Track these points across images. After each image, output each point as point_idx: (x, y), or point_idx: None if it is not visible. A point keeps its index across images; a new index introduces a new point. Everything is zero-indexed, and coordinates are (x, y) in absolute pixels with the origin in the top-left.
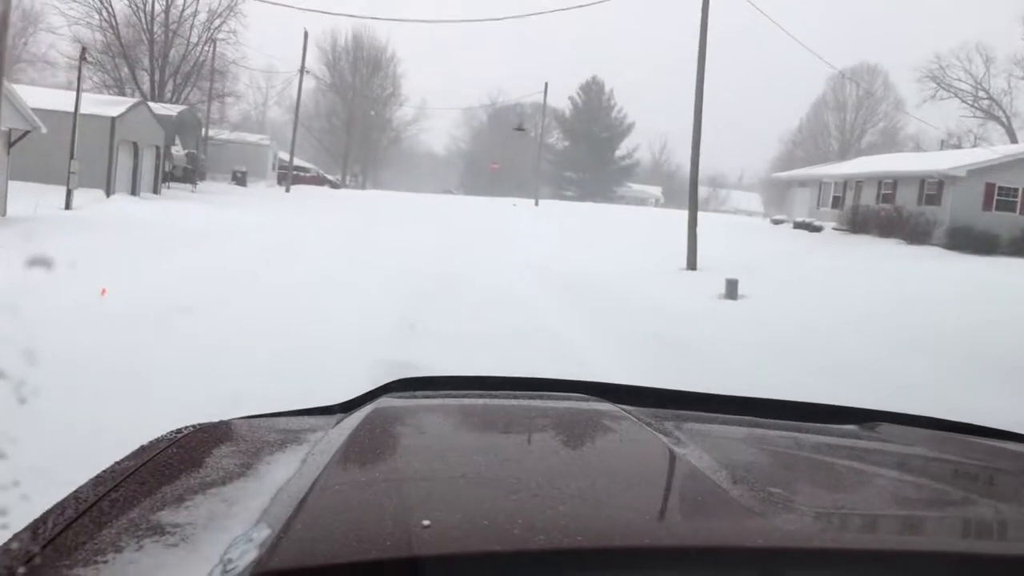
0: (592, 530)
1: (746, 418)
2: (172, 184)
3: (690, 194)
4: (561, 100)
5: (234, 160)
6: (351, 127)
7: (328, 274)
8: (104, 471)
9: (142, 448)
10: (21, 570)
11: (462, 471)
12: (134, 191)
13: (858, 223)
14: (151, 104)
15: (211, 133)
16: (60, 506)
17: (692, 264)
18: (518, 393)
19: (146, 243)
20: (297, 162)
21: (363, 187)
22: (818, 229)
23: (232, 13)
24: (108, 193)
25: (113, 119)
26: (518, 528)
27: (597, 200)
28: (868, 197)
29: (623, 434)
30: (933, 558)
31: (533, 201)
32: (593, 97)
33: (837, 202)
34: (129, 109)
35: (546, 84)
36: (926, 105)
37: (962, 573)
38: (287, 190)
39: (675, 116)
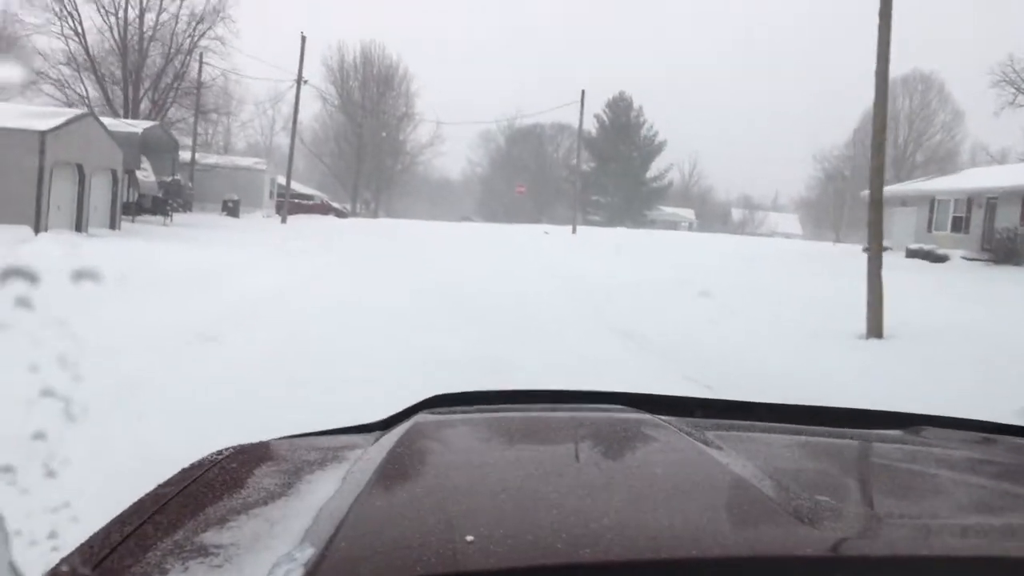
0: (637, 542)
1: (787, 425)
2: (140, 217)
3: (871, 215)
4: (586, 118)
5: (226, 187)
6: (361, 151)
7: (316, 348)
8: (147, 495)
9: (184, 471)
10: None
11: (503, 485)
12: (79, 227)
13: (1002, 251)
14: (108, 120)
15: (199, 156)
16: (105, 530)
17: (876, 329)
18: (555, 406)
19: (51, 300)
20: (301, 189)
21: (375, 215)
22: (942, 259)
23: (219, 18)
24: (37, 230)
25: (43, 134)
26: (562, 542)
27: (628, 225)
28: (1010, 217)
29: (663, 444)
30: (987, 563)
31: (570, 228)
32: (621, 114)
33: (959, 224)
34: (68, 122)
35: (583, 92)
36: (1004, 113)
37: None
38: (283, 220)
39: (703, 133)
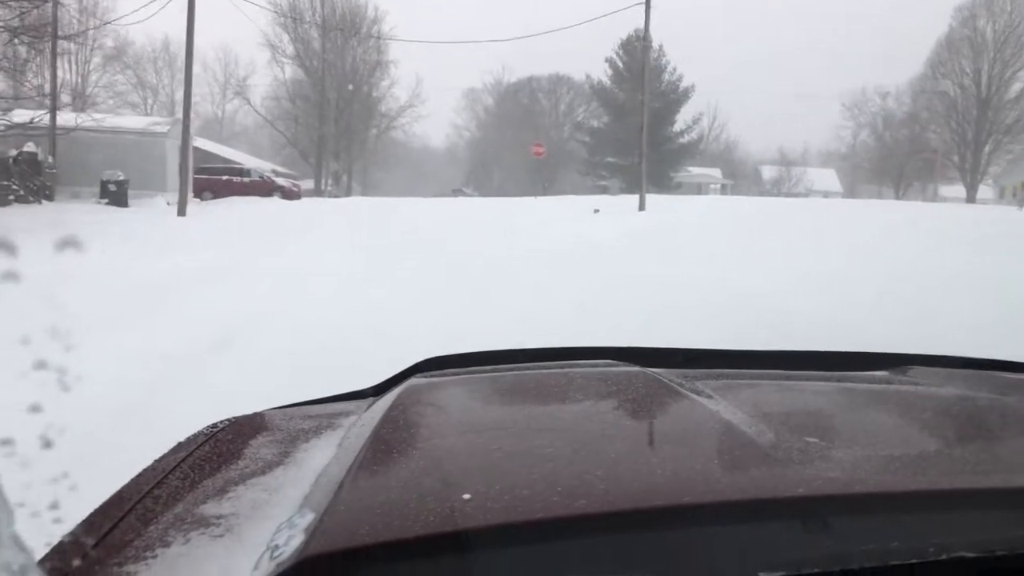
0: (631, 491)
1: (776, 371)
2: None
3: None
4: (593, 65)
5: (114, 162)
6: (324, 113)
7: None
8: (145, 469)
9: (179, 444)
10: (76, 567)
11: (497, 443)
12: None
13: None
14: None
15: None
16: (106, 505)
17: None
18: (547, 363)
19: None
20: (241, 160)
21: (347, 193)
22: None
23: None
24: None
25: None
26: (557, 495)
27: (651, 190)
28: None
29: (654, 395)
30: (976, 495)
31: (620, 200)
32: (637, 59)
33: None
34: None
35: None
36: None
37: (1007, 507)
38: (181, 212)
39: (718, 76)
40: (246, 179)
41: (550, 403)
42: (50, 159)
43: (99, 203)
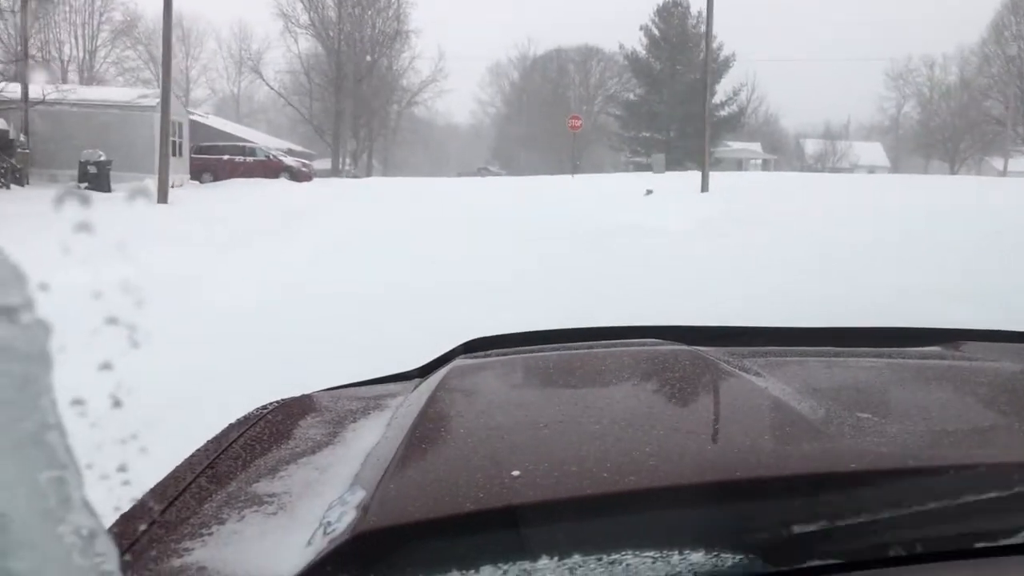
0: (680, 467)
1: (825, 348)
2: None
3: None
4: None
5: (96, 140)
6: (341, 87)
7: None
8: (197, 451)
9: (231, 426)
10: (136, 541)
11: (545, 421)
12: None
13: None
14: None
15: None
16: (161, 485)
17: None
18: (592, 343)
19: None
20: (255, 139)
21: (368, 173)
22: None
23: None
24: None
25: None
26: (607, 471)
27: (687, 167)
28: None
29: (701, 373)
30: None
31: (692, 181)
32: (675, 24)
33: None
34: None
35: None
36: None
37: None
38: (162, 199)
39: (764, 43)
40: (250, 159)
41: (596, 382)
42: (22, 137)
43: (78, 187)
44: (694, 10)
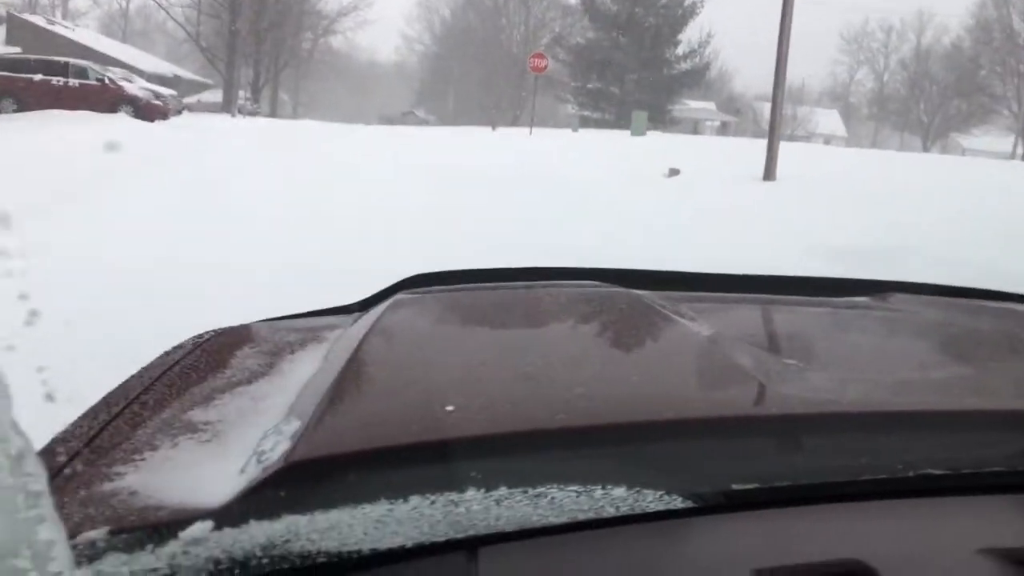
0: (610, 406)
1: (759, 295)
2: None
3: None
4: None
5: None
6: (236, 4)
7: None
8: (130, 377)
9: (165, 354)
10: (64, 466)
11: (481, 359)
12: None
13: None
14: None
15: None
16: (92, 411)
17: None
18: (532, 283)
19: None
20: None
21: (273, 111)
22: None
23: None
24: None
25: None
26: (539, 410)
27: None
28: None
29: (636, 315)
30: (950, 416)
31: (723, 152)
32: None
33: None
34: None
35: None
36: None
37: (978, 429)
38: None
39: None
40: (76, 82)
41: (534, 321)
42: None
43: None
44: None
